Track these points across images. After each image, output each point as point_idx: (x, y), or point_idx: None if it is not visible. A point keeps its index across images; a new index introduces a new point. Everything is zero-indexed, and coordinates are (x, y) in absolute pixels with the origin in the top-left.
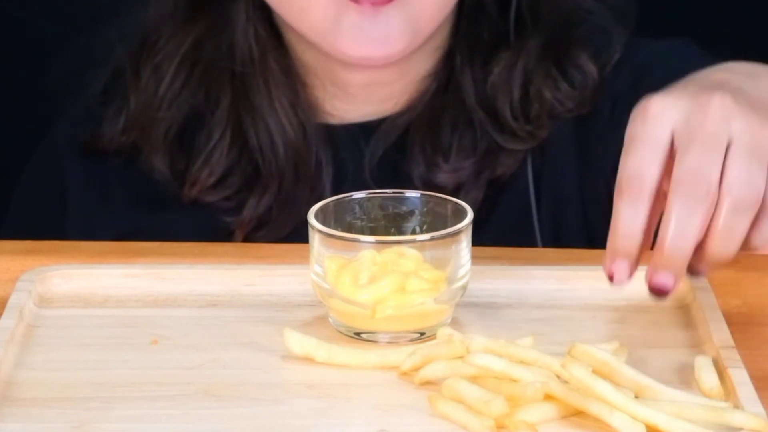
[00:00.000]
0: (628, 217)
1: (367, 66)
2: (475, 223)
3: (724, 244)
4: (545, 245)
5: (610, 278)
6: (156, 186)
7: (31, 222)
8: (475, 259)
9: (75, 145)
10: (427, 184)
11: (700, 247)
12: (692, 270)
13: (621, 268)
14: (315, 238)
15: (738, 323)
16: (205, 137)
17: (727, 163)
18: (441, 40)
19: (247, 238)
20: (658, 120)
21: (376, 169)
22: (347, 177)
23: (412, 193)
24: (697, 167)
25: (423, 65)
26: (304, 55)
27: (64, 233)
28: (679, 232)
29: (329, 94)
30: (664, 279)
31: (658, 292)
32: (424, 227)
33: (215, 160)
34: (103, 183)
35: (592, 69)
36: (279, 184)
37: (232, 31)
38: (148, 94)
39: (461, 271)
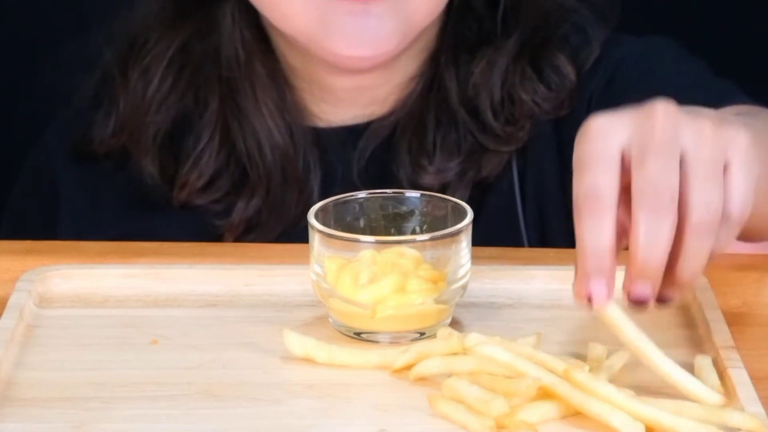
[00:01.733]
0: (593, 235)
1: (357, 66)
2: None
3: (692, 265)
4: (531, 245)
5: (589, 300)
6: (146, 190)
7: (27, 225)
8: (475, 259)
9: (66, 149)
10: (414, 186)
11: (668, 272)
12: (661, 297)
13: (598, 287)
14: (315, 238)
15: (738, 323)
16: (194, 140)
17: (685, 180)
18: (427, 41)
19: (237, 242)
20: (604, 138)
21: (364, 171)
22: (336, 180)
23: (412, 193)
24: (656, 176)
25: (409, 67)
26: (290, 58)
27: (56, 237)
28: (651, 240)
29: (316, 98)
30: (641, 288)
31: (637, 302)
32: (424, 227)
33: (204, 163)
34: (94, 187)
35: (569, 70)
36: (267, 187)
37: (218, 35)
38: (136, 96)
39: (461, 271)
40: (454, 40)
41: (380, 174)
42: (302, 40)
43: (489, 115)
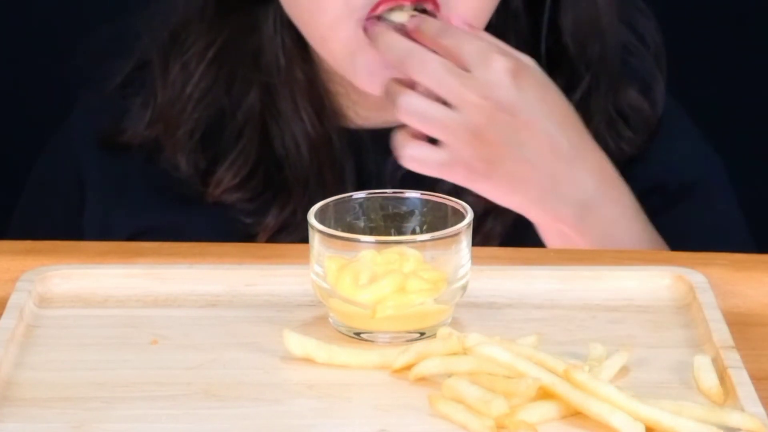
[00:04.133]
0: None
1: None
2: (481, 221)
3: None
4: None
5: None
6: (177, 183)
7: (45, 218)
8: (475, 259)
9: (92, 137)
10: (452, 193)
11: None
12: None
13: None
14: (315, 238)
15: (738, 323)
16: (231, 138)
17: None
18: None
19: (269, 240)
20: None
21: (401, 176)
22: (371, 183)
23: (412, 193)
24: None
25: None
26: (326, 62)
27: (80, 228)
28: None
29: (352, 101)
30: None
31: None
32: (424, 227)
33: (240, 162)
34: (122, 176)
35: (645, 107)
36: (303, 189)
37: (259, 38)
38: (175, 90)
39: (461, 271)
40: None
41: (416, 180)
42: (332, 64)
43: None
